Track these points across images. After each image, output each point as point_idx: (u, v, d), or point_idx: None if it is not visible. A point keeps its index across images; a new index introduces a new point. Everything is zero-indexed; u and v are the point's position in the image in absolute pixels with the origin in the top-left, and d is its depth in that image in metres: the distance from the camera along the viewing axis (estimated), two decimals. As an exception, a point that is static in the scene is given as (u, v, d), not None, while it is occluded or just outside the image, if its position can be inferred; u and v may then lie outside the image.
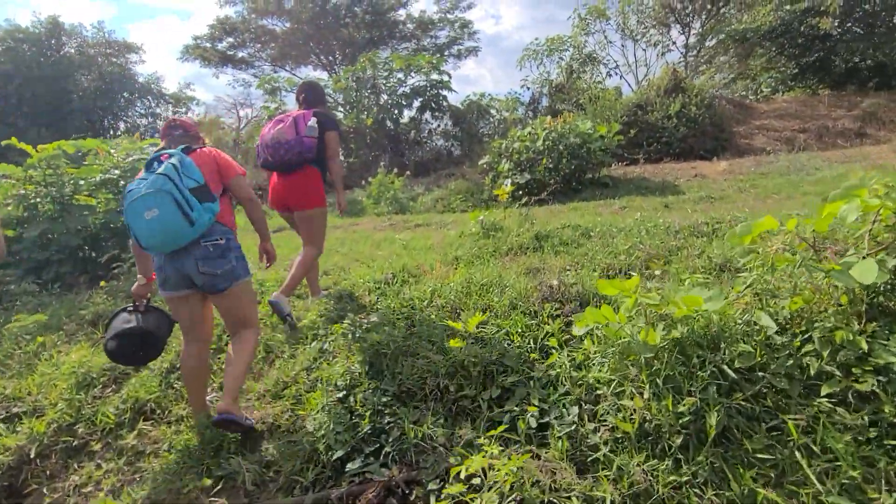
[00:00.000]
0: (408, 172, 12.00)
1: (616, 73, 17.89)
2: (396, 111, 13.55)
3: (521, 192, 8.23)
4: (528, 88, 18.30)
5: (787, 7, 14.70)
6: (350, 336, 2.16)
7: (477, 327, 2.07)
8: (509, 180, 8.16)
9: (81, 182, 4.56)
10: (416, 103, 14.05)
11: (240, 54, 24.35)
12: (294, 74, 24.12)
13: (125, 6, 56.71)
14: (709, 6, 13.99)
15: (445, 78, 14.20)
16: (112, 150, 4.74)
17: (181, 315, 2.06)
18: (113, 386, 2.48)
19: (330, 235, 6.54)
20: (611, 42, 18.50)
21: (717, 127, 12.30)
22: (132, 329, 2.04)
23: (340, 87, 13.92)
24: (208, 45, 23.70)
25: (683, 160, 11.35)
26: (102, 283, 3.71)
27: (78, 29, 22.01)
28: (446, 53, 24.36)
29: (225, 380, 1.97)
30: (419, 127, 14.76)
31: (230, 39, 23.82)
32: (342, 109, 14.49)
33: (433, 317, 2.44)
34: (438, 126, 15.52)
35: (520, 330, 2.13)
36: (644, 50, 16.31)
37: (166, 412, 2.28)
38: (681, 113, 11.98)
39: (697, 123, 11.89)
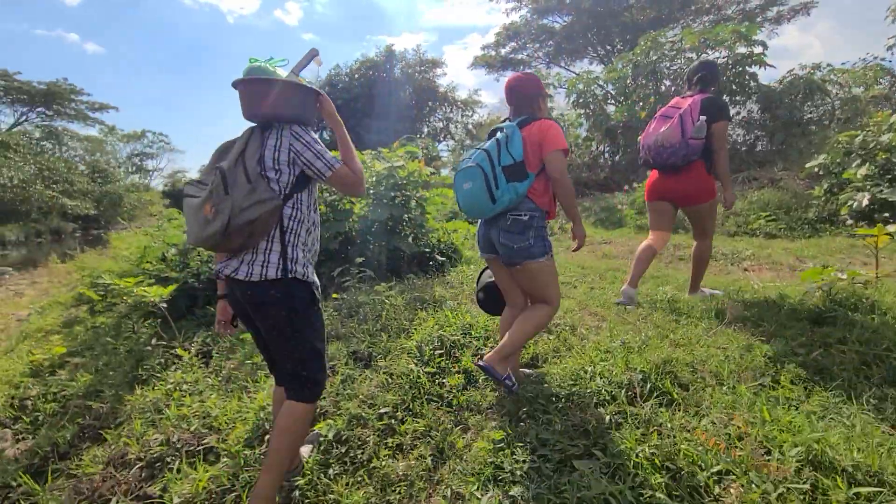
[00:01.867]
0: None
1: None
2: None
3: (885, 214, 5.16)
4: (899, 50, 12.35)
5: None
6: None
7: None
8: (867, 195, 5.21)
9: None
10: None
11: (519, 56, 25.30)
12: (568, 69, 23.53)
13: (443, 32, 68.38)
14: None
15: (757, 49, 10.76)
16: (368, 161, 4.96)
17: (497, 276, 2.19)
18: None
19: (559, 259, 5.48)
20: None
21: None
22: (494, 284, 2.26)
23: (613, 76, 12.37)
24: (493, 52, 25.53)
25: None
26: (335, 295, 3.77)
27: (404, 54, 27.19)
28: (759, 20, 19.08)
29: (502, 339, 2.02)
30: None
31: (513, 44, 24.99)
32: (613, 101, 12.93)
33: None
34: (738, 113, 12.02)
35: None
36: None
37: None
38: None
39: None
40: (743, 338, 2.24)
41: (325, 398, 2.42)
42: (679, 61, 11.36)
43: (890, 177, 5.28)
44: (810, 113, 10.55)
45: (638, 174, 11.35)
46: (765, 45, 10.80)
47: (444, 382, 2.34)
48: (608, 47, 23.06)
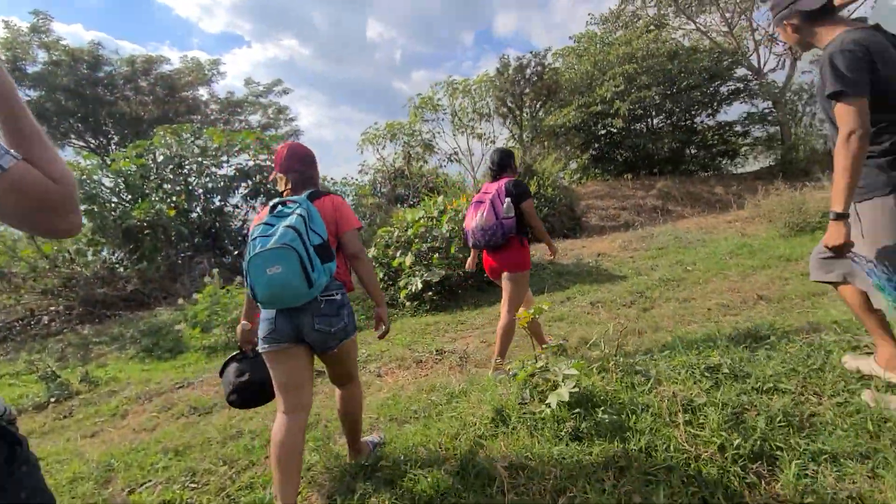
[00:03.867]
0: (238, 278, 8.71)
1: (456, 160, 18.21)
2: (219, 197, 10.31)
3: (430, 294, 6.19)
4: (367, 174, 17.20)
5: (585, 109, 17.26)
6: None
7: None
8: (418, 279, 6.06)
9: None
10: (243, 189, 11.04)
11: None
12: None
13: None
14: (536, 103, 15.34)
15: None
16: None
17: (281, 372, 1.80)
18: None
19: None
20: (441, 132, 19.02)
21: (570, 208, 12.78)
22: (248, 383, 1.99)
23: (125, 165, 9.97)
24: None
25: (555, 239, 11.10)
26: None
27: None
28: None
29: (279, 476, 1.65)
30: (247, 216, 11.62)
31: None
32: (117, 199, 10.06)
33: None
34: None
35: None
36: (479, 139, 16.97)
37: None
38: (539, 194, 12.06)
39: (556, 204, 12.08)
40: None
41: None
42: (208, 158, 10.56)
43: (426, 262, 6.42)
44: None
45: (179, 279, 9.40)
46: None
47: None
48: (101, 139, 19.49)
